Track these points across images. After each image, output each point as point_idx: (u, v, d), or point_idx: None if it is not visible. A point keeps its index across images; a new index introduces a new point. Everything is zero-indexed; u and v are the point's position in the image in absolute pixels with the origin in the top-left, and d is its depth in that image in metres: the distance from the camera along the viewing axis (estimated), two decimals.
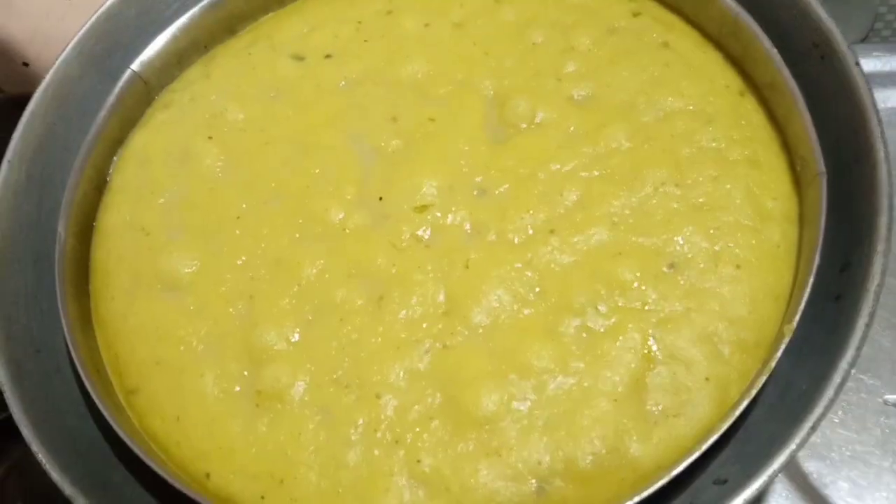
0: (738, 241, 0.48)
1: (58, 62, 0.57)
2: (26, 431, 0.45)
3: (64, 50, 0.58)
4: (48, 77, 0.56)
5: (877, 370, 0.58)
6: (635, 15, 0.57)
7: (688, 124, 0.52)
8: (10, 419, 0.75)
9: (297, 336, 0.48)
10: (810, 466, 0.56)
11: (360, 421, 0.45)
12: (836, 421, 0.57)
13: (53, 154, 0.56)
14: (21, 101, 1.07)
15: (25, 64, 1.03)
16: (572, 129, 0.53)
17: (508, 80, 0.55)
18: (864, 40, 0.78)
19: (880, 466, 0.56)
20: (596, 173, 0.51)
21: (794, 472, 0.56)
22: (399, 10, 0.60)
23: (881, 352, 0.59)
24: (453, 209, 0.51)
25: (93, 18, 0.59)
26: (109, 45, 0.59)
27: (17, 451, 0.79)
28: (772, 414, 0.45)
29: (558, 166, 0.52)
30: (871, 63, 0.70)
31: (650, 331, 0.46)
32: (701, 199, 0.50)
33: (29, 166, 0.55)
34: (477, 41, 0.58)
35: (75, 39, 0.58)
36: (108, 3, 0.59)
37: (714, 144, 0.51)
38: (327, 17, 0.61)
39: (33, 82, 1.05)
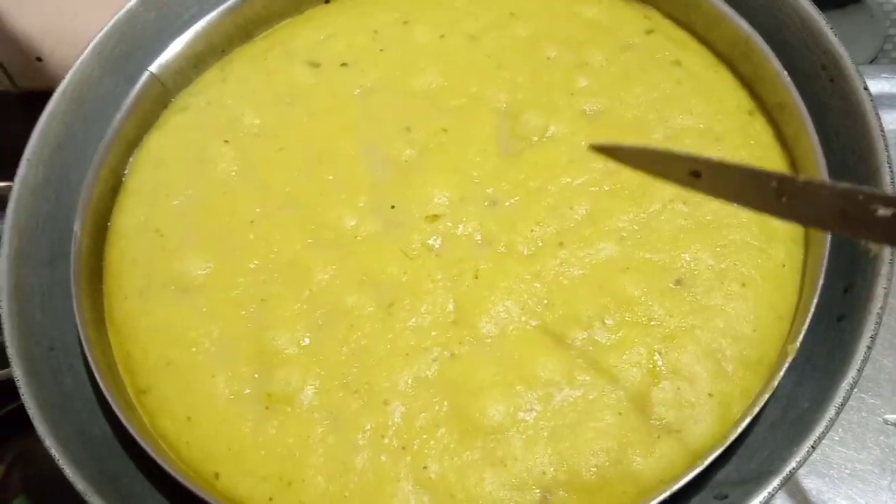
0: (743, 259, 0.49)
1: (77, 63, 0.58)
2: (41, 427, 0.46)
3: (83, 51, 0.58)
4: (67, 77, 0.57)
5: (877, 390, 0.59)
6: (648, 32, 0.58)
7: (697, 142, 0.53)
8: (13, 412, 0.76)
9: (307, 340, 0.49)
10: (810, 484, 0.57)
11: (368, 426, 0.46)
12: (836, 439, 0.57)
13: (71, 154, 0.57)
14: (34, 96, 1.08)
15: (39, 59, 1.04)
16: (583, 143, 0.53)
17: (521, 94, 0.56)
18: (873, 61, 0.79)
19: (879, 485, 0.56)
20: (606, 188, 0.52)
21: (793, 489, 0.57)
22: (415, 20, 0.61)
23: (882, 371, 0.60)
24: (464, 219, 0.52)
25: (112, 20, 0.59)
26: (128, 47, 0.60)
27: (21, 444, 0.80)
28: (773, 431, 0.46)
29: (569, 180, 0.52)
30: (879, 84, 0.71)
31: (656, 346, 0.47)
32: (708, 217, 0.50)
33: (46, 166, 0.55)
34: (491, 54, 0.58)
35: (95, 41, 0.59)
36: (127, 6, 0.60)
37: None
38: (343, 25, 0.62)
39: (46, 78, 1.07)
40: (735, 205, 0.37)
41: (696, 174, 0.38)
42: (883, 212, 0.31)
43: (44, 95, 1.07)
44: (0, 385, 0.75)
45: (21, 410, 0.77)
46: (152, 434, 0.49)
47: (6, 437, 0.79)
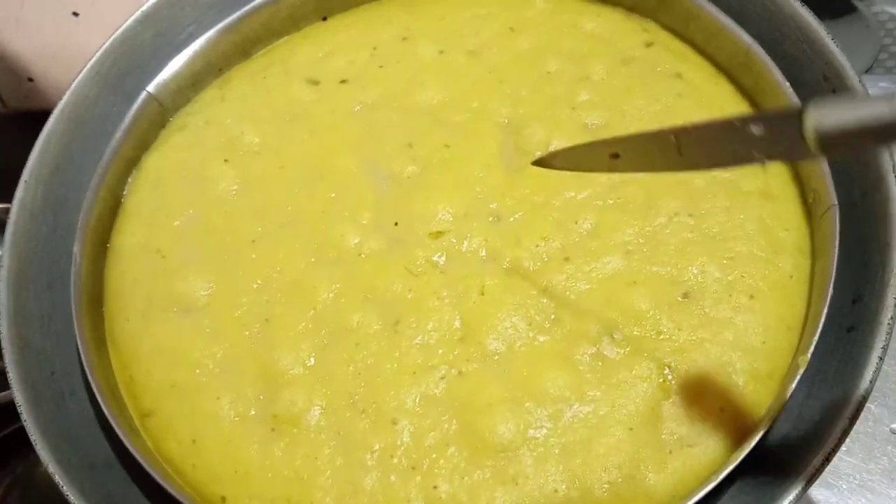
0: (751, 271, 0.49)
1: (74, 83, 0.57)
2: (44, 454, 0.45)
3: (80, 71, 0.58)
4: (64, 98, 0.57)
5: (884, 399, 0.59)
6: (648, 45, 0.58)
7: None
8: (12, 434, 0.76)
9: (312, 360, 0.48)
10: (818, 495, 0.56)
11: (377, 446, 0.45)
12: (844, 449, 0.57)
13: (68, 175, 0.56)
14: (25, 117, 1.07)
15: (30, 79, 1.04)
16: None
17: (523, 109, 0.56)
18: (868, 71, 0.79)
19: (888, 495, 0.56)
20: (610, 202, 0.52)
21: (802, 500, 0.56)
22: (414, 37, 0.61)
23: (888, 381, 0.59)
24: (468, 235, 0.51)
25: (109, 39, 0.59)
26: (125, 66, 0.60)
27: (20, 467, 0.79)
28: (785, 445, 0.45)
29: (573, 194, 0.52)
30: (876, 93, 0.71)
31: (665, 360, 0.46)
32: (714, 230, 0.50)
33: (45, 187, 0.55)
34: (492, 69, 0.58)
35: (92, 60, 0.58)
36: (124, 25, 0.60)
37: (727, 175, 0.52)
38: (342, 42, 0.62)
39: (38, 98, 1.06)
40: (654, 172, 0.42)
41: (615, 156, 0.41)
42: (756, 130, 0.34)
43: (35, 116, 1.06)
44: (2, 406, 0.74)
45: (19, 432, 0.76)
46: (157, 458, 0.48)
47: (6, 459, 0.78)
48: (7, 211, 0.79)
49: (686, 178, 0.52)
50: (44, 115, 1.03)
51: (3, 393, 0.73)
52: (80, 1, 0.93)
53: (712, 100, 0.56)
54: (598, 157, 0.43)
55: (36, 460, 0.78)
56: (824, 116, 0.32)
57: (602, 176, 0.52)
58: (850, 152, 0.36)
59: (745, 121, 0.35)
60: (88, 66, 0.58)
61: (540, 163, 0.46)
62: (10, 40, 0.99)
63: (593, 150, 0.43)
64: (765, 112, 0.35)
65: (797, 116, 0.32)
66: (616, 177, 0.53)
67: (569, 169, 0.45)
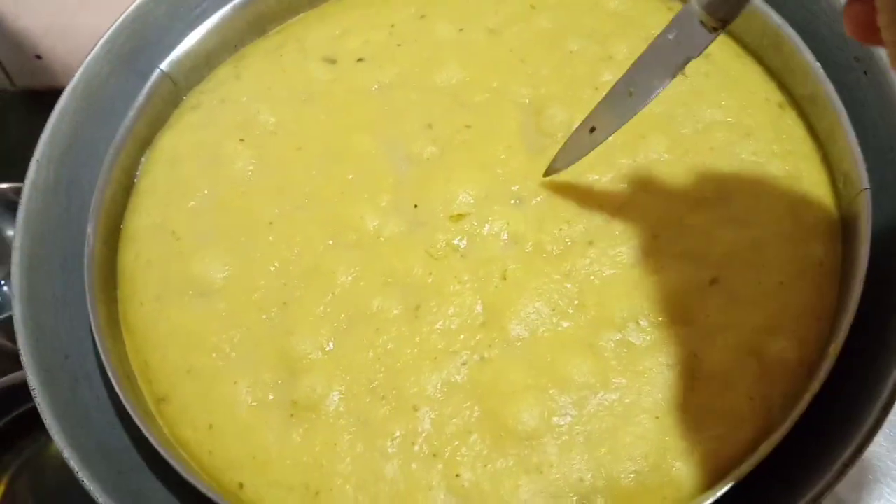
0: (780, 256, 0.47)
1: (86, 61, 0.56)
2: (58, 438, 0.44)
3: (92, 48, 0.57)
4: (76, 76, 0.55)
5: None
6: None
7: (727, 136, 0.52)
8: (21, 417, 0.75)
9: (331, 345, 0.47)
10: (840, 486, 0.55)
11: (398, 433, 0.45)
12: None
13: (81, 154, 0.55)
14: (33, 94, 1.06)
15: (38, 57, 1.03)
16: (610, 139, 0.52)
17: (545, 89, 0.55)
18: None
19: None
20: (635, 185, 0.50)
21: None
22: (432, 14, 0.60)
23: None
24: (490, 218, 0.50)
25: (122, 16, 0.58)
26: (138, 43, 0.59)
27: (29, 449, 0.79)
28: (815, 435, 0.44)
29: (596, 177, 0.51)
30: None
31: (692, 347, 0.45)
32: (742, 214, 0.49)
33: (57, 167, 0.54)
34: (513, 48, 0.57)
35: (104, 37, 0.57)
36: (137, 1, 0.58)
37: (754, 158, 0.51)
38: (359, 20, 0.61)
39: (46, 76, 1.05)
40: (623, 125, 0.46)
41: (592, 130, 0.48)
42: (672, 35, 0.41)
43: (43, 93, 1.06)
44: (6, 390, 0.74)
45: (27, 414, 0.76)
46: (173, 444, 0.47)
47: (15, 441, 0.78)
48: (17, 191, 0.78)
49: (714, 163, 0.50)
50: (52, 93, 1.02)
51: (12, 375, 0.73)
52: None
53: (739, 80, 0.54)
54: (582, 140, 0.48)
55: (45, 443, 0.78)
56: None
57: (625, 157, 0.51)
58: (739, 8, 0.40)
59: (662, 34, 0.42)
60: (100, 43, 0.57)
61: (549, 173, 0.50)
62: (18, 17, 0.97)
63: (577, 137, 0.48)
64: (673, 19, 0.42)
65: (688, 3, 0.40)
66: (640, 159, 0.51)
67: (568, 164, 0.49)
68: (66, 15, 0.96)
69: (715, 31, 0.40)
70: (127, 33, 0.58)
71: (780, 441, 0.42)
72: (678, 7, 0.58)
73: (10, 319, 0.71)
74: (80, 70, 0.56)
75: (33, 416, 0.76)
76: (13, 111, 1.06)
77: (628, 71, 0.45)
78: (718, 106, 0.53)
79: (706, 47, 0.41)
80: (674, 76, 0.44)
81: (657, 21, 0.57)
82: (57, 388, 0.47)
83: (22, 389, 0.74)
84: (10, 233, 0.84)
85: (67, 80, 0.55)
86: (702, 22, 0.40)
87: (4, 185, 0.78)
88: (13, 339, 0.74)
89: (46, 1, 0.95)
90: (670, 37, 0.42)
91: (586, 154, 0.49)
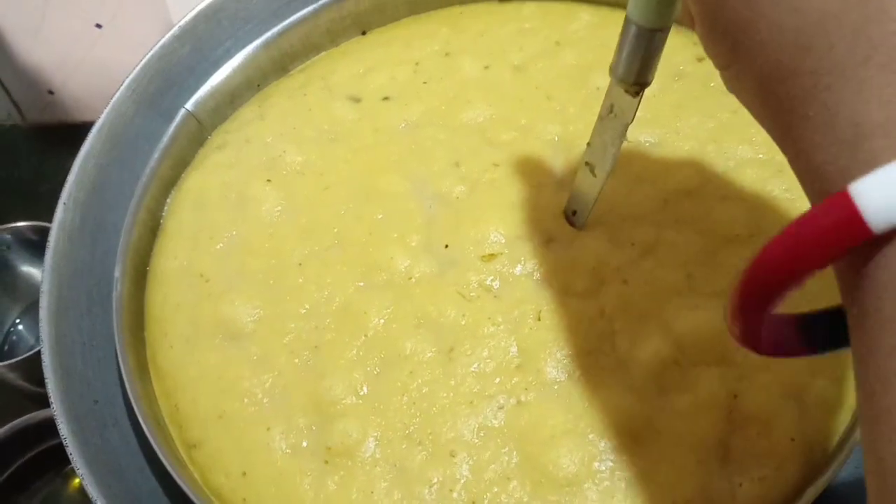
0: (819, 293, 0.47)
1: (111, 102, 0.56)
2: (91, 489, 0.43)
3: (118, 89, 0.56)
4: (102, 117, 0.55)
5: None
6: (699, 60, 0.57)
7: (759, 173, 0.51)
8: (35, 457, 0.74)
9: (365, 389, 0.47)
10: None
11: (435, 480, 0.44)
12: None
13: (107, 196, 0.55)
14: (42, 130, 1.06)
15: (51, 92, 1.03)
16: (641, 176, 0.52)
17: (573, 126, 0.54)
18: None
19: None
20: (668, 219, 0.50)
21: None
22: (456, 52, 0.60)
23: None
24: (522, 258, 0.50)
25: (146, 56, 0.58)
26: (162, 84, 0.58)
27: (44, 490, 0.78)
28: (859, 477, 0.44)
29: (627, 212, 0.51)
30: None
31: (731, 387, 0.45)
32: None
33: (83, 209, 0.53)
34: (539, 85, 0.57)
35: (129, 78, 0.57)
36: (161, 42, 0.58)
37: (787, 195, 0.50)
38: (383, 58, 0.60)
39: (57, 111, 1.05)
40: (617, 152, 0.44)
41: (591, 166, 0.46)
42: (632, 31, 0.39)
43: (55, 129, 1.05)
44: (21, 431, 0.73)
45: (40, 455, 0.75)
46: (205, 491, 0.46)
47: (28, 482, 0.78)
48: (33, 229, 0.78)
49: (746, 199, 0.50)
50: (63, 128, 1.02)
51: (27, 416, 0.72)
52: (103, 12, 0.92)
53: None
54: (588, 180, 0.47)
55: (60, 484, 0.77)
56: None
57: (656, 193, 0.51)
58: (648, 72, 0.41)
59: (602, 105, 0.43)
60: (125, 84, 0.57)
61: (571, 223, 0.51)
62: (31, 52, 0.98)
63: (583, 177, 0.47)
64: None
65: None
66: (671, 190, 0.51)
67: (581, 206, 0.49)
68: (81, 50, 0.96)
69: (637, 94, 0.41)
70: (151, 73, 0.58)
71: (825, 487, 0.41)
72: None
73: (27, 360, 0.71)
74: (106, 111, 0.56)
75: (48, 457, 0.76)
76: (24, 146, 1.06)
77: (587, 146, 0.46)
78: (749, 142, 0.53)
79: (636, 111, 0.42)
80: (621, 143, 0.44)
81: (683, 57, 0.57)
82: (87, 436, 0.47)
83: (35, 430, 0.73)
84: (24, 269, 0.83)
85: (80, 116, 0.55)
86: (625, 90, 0.41)
87: (22, 224, 0.78)
88: (28, 378, 0.74)
89: (60, 35, 0.95)
90: (609, 107, 0.43)
91: (593, 197, 0.48)
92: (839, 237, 0.23)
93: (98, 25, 0.92)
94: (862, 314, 0.24)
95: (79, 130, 0.55)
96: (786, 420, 0.44)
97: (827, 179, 0.25)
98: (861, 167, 0.23)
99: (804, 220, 0.24)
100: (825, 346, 0.30)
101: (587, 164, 0.46)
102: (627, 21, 0.39)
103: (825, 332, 0.30)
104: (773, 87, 0.27)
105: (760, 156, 0.52)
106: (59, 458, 0.66)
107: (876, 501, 0.23)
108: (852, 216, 0.22)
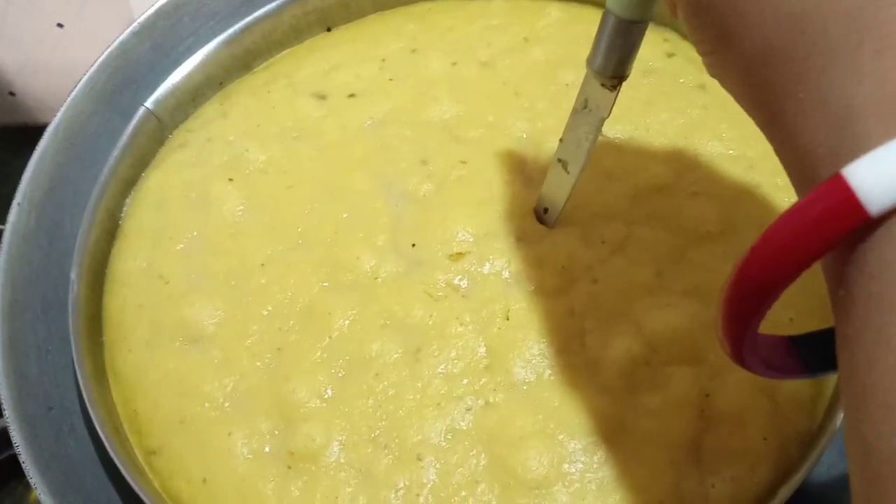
0: (789, 291, 0.46)
1: (68, 100, 0.54)
2: (45, 498, 0.42)
3: (74, 87, 0.55)
4: (58, 116, 0.54)
5: None
6: (669, 56, 0.56)
7: (731, 169, 0.51)
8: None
9: (330, 392, 0.45)
10: None
11: (402, 484, 0.43)
12: None
13: (63, 196, 0.53)
14: (3, 132, 1.04)
15: (12, 93, 1.00)
16: (611, 173, 0.51)
17: (542, 122, 0.54)
18: None
19: None
20: (638, 218, 0.49)
21: None
22: (424, 48, 0.58)
23: None
24: (491, 257, 0.49)
25: (104, 53, 0.56)
26: (121, 81, 0.57)
27: (7, 499, 0.76)
28: (833, 475, 0.43)
29: (598, 210, 0.50)
30: None
31: (703, 386, 0.44)
32: (747, 246, 0.48)
33: (39, 210, 0.52)
34: (506, 81, 0.56)
35: (87, 76, 0.55)
36: (119, 38, 0.57)
37: (759, 191, 0.50)
38: (348, 54, 0.59)
39: (18, 113, 1.03)
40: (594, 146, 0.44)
41: (564, 162, 0.46)
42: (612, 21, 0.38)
43: (16, 130, 1.03)
44: None
45: (8, 461, 0.73)
46: (165, 499, 0.45)
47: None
48: None
49: (718, 196, 0.49)
50: (25, 130, 1.00)
51: None
52: (65, 12, 0.90)
53: (738, 112, 0.53)
54: (560, 177, 0.46)
55: (21, 494, 0.75)
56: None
57: (628, 188, 0.50)
58: (626, 65, 0.41)
59: (577, 99, 0.43)
60: (83, 81, 0.55)
61: (542, 221, 0.50)
62: None
63: (555, 174, 0.46)
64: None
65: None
66: (642, 186, 0.50)
67: (553, 204, 0.48)
68: (43, 51, 0.94)
69: (614, 88, 0.41)
70: (109, 71, 0.56)
71: (798, 486, 0.40)
72: (674, 38, 0.58)
73: None
74: (62, 109, 0.54)
75: (10, 466, 0.74)
76: None
77: (559, 142, 0.45)
78: (720, 139, 0.52)
79: (613, 106, 0.42)
80: (596, 138, 0.44)
81: (654, 53, 0.56)
82: (42, 443, 0.45)
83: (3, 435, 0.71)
84: None
85: (41, 117, 0.54)
86: (602, 84, 0.41)
87: None
88: None
89: (21, 36, 0.93)
90: (584, 101, 0.43)
91: (565, 193, 0.47)
92: (837, 222, 0.22)
93: (60, 25, 0.91)
94: (850, 297, 0.23)
95: (41, 132, 0.53)
96: (759, 418, 0.43)
97: (817, 162, 0.24)
98: (854, 149, 0.22)
99: (798, 208, 0.23)
100: (816, 367, 0.30)
101: (560, 160, 0.46)
102: (607, 12, 0.38)
103: (817, 353, 0.29)
104: (761, 71, 0.26)
105: (731, 152, 0.51)
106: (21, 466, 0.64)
107: (860, 488, 0.23)
108: (849, 199, 0.21)
